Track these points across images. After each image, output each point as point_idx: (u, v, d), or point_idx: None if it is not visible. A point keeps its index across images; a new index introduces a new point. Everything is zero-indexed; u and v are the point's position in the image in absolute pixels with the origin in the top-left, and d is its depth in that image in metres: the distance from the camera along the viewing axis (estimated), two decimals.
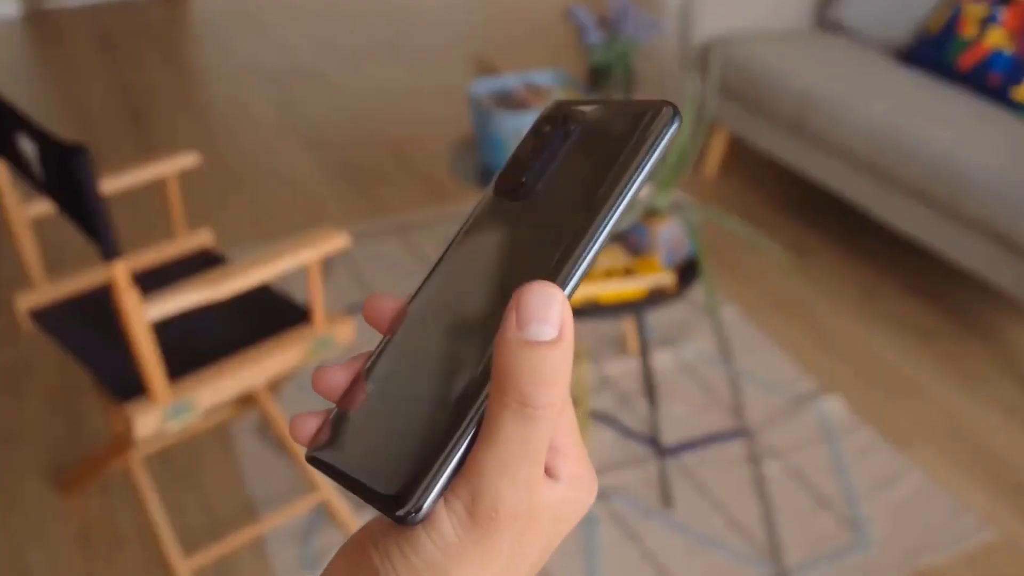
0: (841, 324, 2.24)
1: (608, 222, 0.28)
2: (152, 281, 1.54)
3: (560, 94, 1.93)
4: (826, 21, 2.82)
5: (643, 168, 0.29)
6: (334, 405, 0.32)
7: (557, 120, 0.33)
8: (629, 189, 0.29)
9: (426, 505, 0.26)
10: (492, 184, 0.33)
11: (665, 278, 1.54)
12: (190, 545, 1.60)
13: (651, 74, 3.26)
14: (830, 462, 1.82)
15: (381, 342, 0.32)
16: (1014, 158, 2.02)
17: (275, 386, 1.76)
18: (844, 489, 1.76)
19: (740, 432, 1.88)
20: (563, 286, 0.28)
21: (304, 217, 2.61)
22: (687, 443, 1.85)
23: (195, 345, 1.41)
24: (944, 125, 2.16)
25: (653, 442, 1.77)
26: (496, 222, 0.31)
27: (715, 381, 2.02)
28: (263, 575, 1.56)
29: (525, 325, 0.25)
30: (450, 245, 0.32)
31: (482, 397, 0.27)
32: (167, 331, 1.37)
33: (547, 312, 0.26)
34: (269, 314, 1.49)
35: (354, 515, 1.65)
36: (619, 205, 0.29)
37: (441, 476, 0.26)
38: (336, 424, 0.30)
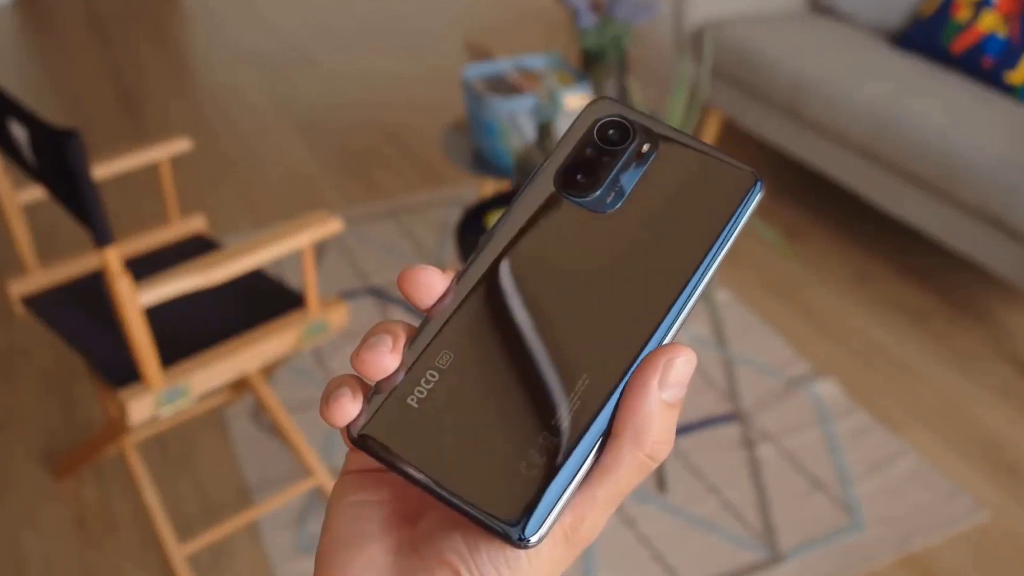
0: (835, 307, 2.24)
1: (699, 290, 0.30)
2: (145, 267, 1.53)
3: (553, 78, 1.92)
4: (820, 4, 2.81)
5: (732, 240, 0.30)
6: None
7: (625, 129, 0.32)
8: (719, 260, 0.30)
9: (547, 532, 0.27)
10: (552, 177, 0.31)
11: None
12: (185, 530, 1.60)
13: (644, 57, 3.25)
14: (824, 445, 1.83)
15: (432, 324, 0.30)
16: (1007, 141, 2.03)
17: (269, 371, 1.76)
18: (838, 471, 1.77)
19: (734, 416, 1.89)
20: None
21: (298, 202, 2.61)
22: (681, 427, 1.85)
23: (189, 330, 1.41)
24: (937, 109, 2.16)
25: None
26: (572, 228, 0.31)
27: (709, 365, 2.02)
28: (258, 560, 1.57)
29: (668, 387, 0.28)
30: (503, 230, 0.31)
31: (602, 433, 0.28)
32: (161, 317, 1.37)
33: (686, 378, 0.28)
34: (262, 299, 1.49)
35: None
36: (710, 276, 0.30)
37: (561, 505, 0.27)
38: (395, 411, 0.28)
